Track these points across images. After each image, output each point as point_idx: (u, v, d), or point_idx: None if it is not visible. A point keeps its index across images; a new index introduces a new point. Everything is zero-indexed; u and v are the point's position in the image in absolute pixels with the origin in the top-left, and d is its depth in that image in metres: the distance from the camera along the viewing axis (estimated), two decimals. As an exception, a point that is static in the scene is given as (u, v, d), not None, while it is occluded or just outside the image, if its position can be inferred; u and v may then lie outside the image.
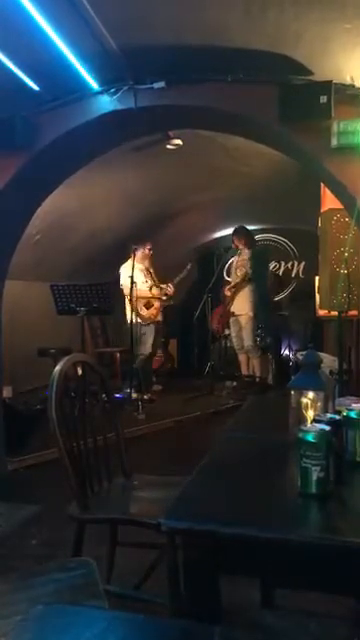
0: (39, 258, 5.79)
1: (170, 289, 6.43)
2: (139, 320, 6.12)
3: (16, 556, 2.69)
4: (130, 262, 6.11)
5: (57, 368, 1.90)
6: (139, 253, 6.17)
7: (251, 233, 6.91)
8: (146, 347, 6.27)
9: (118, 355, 6.60)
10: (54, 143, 3.35)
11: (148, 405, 5.61)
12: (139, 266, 6.17)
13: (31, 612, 0.95)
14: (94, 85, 3.19)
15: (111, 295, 5.03)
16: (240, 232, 6.76)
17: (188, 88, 3.18)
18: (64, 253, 6.27)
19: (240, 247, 6.71)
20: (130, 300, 5.96)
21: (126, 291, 6.00)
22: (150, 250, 6.37)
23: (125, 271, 6.06)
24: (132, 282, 5.89)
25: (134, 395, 5.67)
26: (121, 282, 6.08)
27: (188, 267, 6.68)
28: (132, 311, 5.97)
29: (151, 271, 6.43)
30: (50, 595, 1.32)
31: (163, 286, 6.40)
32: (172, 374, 7.72)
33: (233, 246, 6.83)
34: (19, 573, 1.71)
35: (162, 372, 7.49)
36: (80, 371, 2.14)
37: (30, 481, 3.73)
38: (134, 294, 5.95)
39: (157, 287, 6.38)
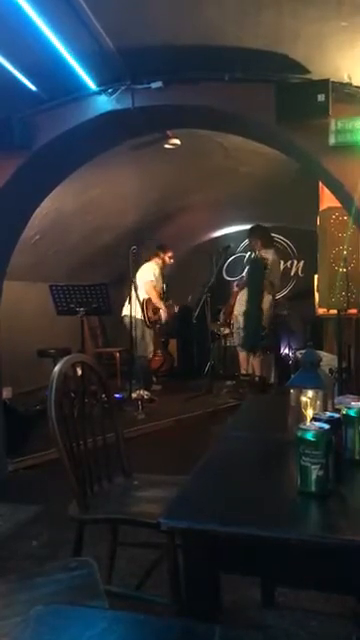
0: (38, 258, 5.80)
1: (175, 310, 6.84)
2: (144, 320, 6.18)
3: (16, 557, 2.69)
4: (151, 264, 6.25)
5: (56, 369, 1.90)
6: (161, 256, 6.51)
7: (265, 231, 6.60)
8: (147, 348, 6.29)
9: (118, 355, 6.61)
10: (52, 143, 3.35)
11: (148, 405, 5.61)
12: (159, 271, 6.34)
13: (31, 612, 0.95)
14: (92, 85, 3.19)
15: (110, 295, 5.03)
16: (252, 232, 6.59)
17: (185, 88, 3.18)
18: (63, 253, 6.28)
19: (257, 249, 6.44)
20: (144, 301, 6.16)
21: (148, 290, 6.17)
22: (171, 258, 6.59)
23: (149, 271, 6.23)
24: (134, 287, 5.98)
25: (134, 395, 5.68)
26: (144, 279, 6.17)
27: (189, 300, 7.13)
28: (142, 311, 6.08)
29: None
30: (50, 595, 1.32)
31: (172, 310, 6.69)
32: (172, 374, 7.72)
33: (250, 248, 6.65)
34: (19, 574, 1.70)
35: (162, 372, 7.49)
36: (80, 371, 2.14)
37: (30, 482, 3.73)
38: (144, 294, 6.07)
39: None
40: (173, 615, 1.75)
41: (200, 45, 2.89)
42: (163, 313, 6.48)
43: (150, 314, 6.32)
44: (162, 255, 6.50)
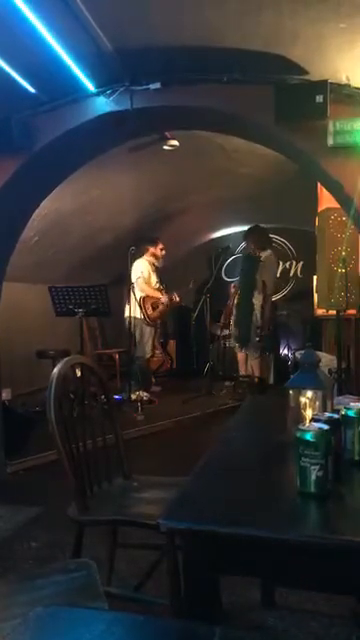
0: (37, 260, 5.80)
1: (177, 298, 6.47)
2: (144, 318, 6.13)
3: (16, 558, 2.68)
4: (140, 261, 6.18)
5: (56, 370, 1.90)
6: (152, 250, 6.30)
7: (262, 232, 6.57)
8: (146, 348, 6.27)
9: (117, 356, 6.60)
10: (51, 145, 3.36)
11: (147, 406, 5.61)
12: (150, 267, 6.24)
13: (30, 614, 0.95)
14: (90, 87, 3.19)
15: (109, 297, 5.04)
16: (249, 233, 6.57)
17: (184, 89, 3.19)
18: (62, 254, 6.28)
19: (254, 250, 6.42)
20: (141, 299, 6.07)
21: (141, 286, 6.07)
22: (162, 250, 6.40)
23: (137, 268, 6.13)
24: (130, 284, 5.94)
25: (133, 396, 5.67)
26: (134, 278, 6.11)
27: (190, 286, 6.76)
28: (141, 309, 6.01)
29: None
30: (50, 597, 1.32)
31: (174, 297, 6.42)
32: (171, 375, 7.72)
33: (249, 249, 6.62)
34: (19, 575, 1.71)
35: (161, 373, 7.49)
36: (79, 373, 2.14)
37: (30, 483, 3.72)
38: (139, 293, 6.02)
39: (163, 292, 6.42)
40: (173, 616, 1.75)
41: (199, 46, 2.89)
42: (164, 299, 6.28)
43: (150, 311, 6.23)
44: (153, 249, 6.33)
